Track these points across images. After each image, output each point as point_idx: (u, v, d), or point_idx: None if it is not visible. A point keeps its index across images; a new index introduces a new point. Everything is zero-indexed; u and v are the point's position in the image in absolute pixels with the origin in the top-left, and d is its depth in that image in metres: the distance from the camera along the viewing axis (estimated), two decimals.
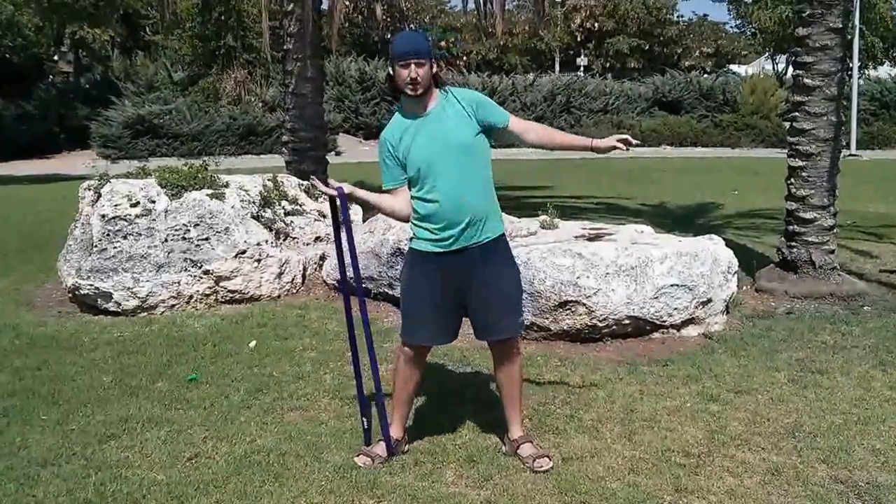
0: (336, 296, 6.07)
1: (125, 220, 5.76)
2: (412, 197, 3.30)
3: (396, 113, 3.35)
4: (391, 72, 3.23)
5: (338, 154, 19.80)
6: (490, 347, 3.49)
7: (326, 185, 3.33)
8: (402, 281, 3.44)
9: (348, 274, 3.51)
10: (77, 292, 5.79)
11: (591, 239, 5.42)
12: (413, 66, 3.16)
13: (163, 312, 5.68)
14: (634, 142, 3.42)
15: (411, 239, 3.37)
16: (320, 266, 6.46)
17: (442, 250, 3.26)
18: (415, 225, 3.33)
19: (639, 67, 37.99)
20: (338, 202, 3.33)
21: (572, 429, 3.70)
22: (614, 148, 3.40)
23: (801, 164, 6.24)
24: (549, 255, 4.98)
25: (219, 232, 5.88)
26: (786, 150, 6.53)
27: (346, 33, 28.28)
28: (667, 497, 3.10)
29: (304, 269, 6.34)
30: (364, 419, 3.50)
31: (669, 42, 40.02)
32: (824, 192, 6.18)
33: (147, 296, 5.65)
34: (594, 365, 4.58)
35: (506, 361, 3.41)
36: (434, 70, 3.24)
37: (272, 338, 5.11)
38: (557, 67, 38.52)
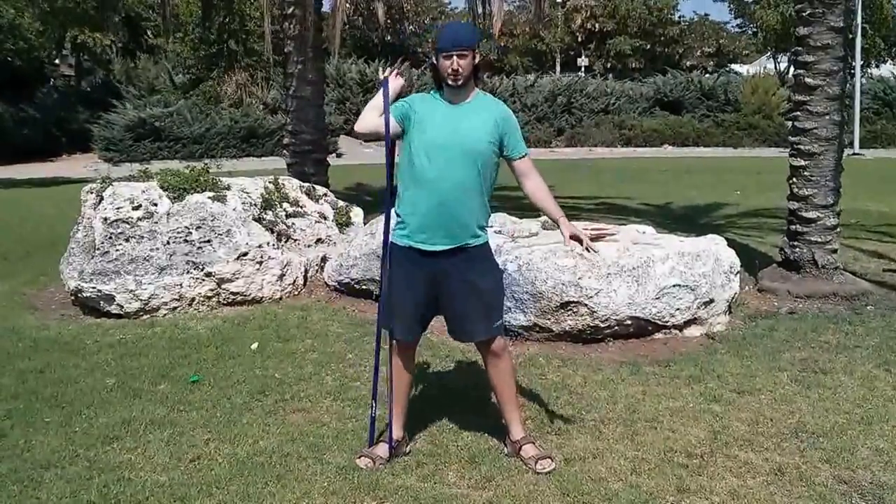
0: (337, 297, 6.08)
1: (127, 222, 5.76)
2: (407, 176, 3.29)
3: (434, 92, 3.37)
4: (434, 62, 3.28)
5: (339, 156, 19.81)
6: (478, 347, 3.50)
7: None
8: (385, 276, 3.43)
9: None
10: (79, 295, 5.80)
11: (592, 239, 5.40)
12: (455, 57, 3.20)
13: (165, 315, 5.68)
14: (592, 248, 3.38)
15: (394, 231, 3.37)
16: (322, 268, 6.46)
17: (421, 247, 3.27)
18: (400, 215, 3.34)
19: (640, 67, 38.01)
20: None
21: (574, 429, 3.70)
22: (571, 239, 3.35)
23: (803, 163, 6.24)
24: (550, 255, 4.98)
25: (220, 234, 5.88)
26: (788, 150, 6.53)
27: (346, 35, 28.30)
28: (669, 498, 3.09)
29: (306, 271, 6.34)
30: (372, 418, 3.50)
31: (670, 42, 40.04)
32: (827, 191, 6.18)
33: (149, 298, 5.66)
34: (596, 365, 4.58)
35: (493, 360, 3.42)
36: (476, 62, 3.26)
37: (274, 340, 5.11)
38: (558, 68, 38.54)
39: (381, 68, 26.32)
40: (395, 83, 3.38)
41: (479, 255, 3.34)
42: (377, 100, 3.35)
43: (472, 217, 3.28)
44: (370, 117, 3.35)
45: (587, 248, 3.36)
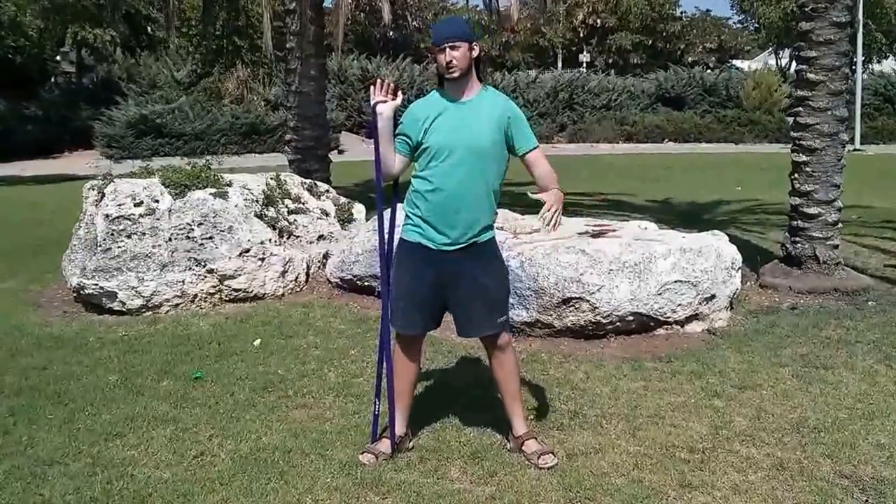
0: (339, 293, 6.08)
1: (129, 219, 5.77)
2: (415, 175, 3.31)
3: (435, 91, 3.35)
4: (436, 60, 3.27)
5: (340, 152, 19.78)
6: (482, 342, 3.52)
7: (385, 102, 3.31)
8: (392, 271, 3.43)
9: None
10: (82, 292, 5.81)
11: (594, 235, 5.42)
12: (448, 49, 3.18)
13: (167, 311, 5.69)
14: (548, 221, 3.18)
15: (403, 227, 3.37)
16: (324, 265, 6.47)
17: (431, 245, 3.27)
18: (408, 213, 3.34)
19: (641, 63, 37.96)
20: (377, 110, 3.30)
21: (576, 425, 3.70)
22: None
23: (804, 159, 6.24)
24: (552, 252, 4.99)
25: (222, 231, 5.89)
26: (789, 146, 6.52)
27: (348, 31, 28.26)
28: (671, 492, 3.10)
29: (308, 268, 6.35)
30: (375, 414, 3.51)
31: (672, 38, 39.99)
32: (828, 187, 6.18)
33: (151, 295, 5.66)
34: (598, 361, 4.59)
35: (498, 354, 3.42)
36: (474, 55, 3.24)
37: (277, 336, 5.12)
38: (560, 64, 38.49)
39: (381, 66, 26.08)
40: (386, 111, 3.28)
41: (487, 251, 3.35)
42: (378, 140, 3.30)
43: (481, 215, 3.29)
44: (381, 167, 3.32)
45: (546, 219, 3.18)
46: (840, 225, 6.30)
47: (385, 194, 3.44)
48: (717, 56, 41.02)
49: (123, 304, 5.66)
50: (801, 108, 6.26)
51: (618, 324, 4.96)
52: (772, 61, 35.75)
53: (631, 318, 4.95)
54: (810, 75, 6.16)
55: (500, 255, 3.48)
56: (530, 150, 3.33)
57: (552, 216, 3.19)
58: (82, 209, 6.20)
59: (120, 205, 5.81)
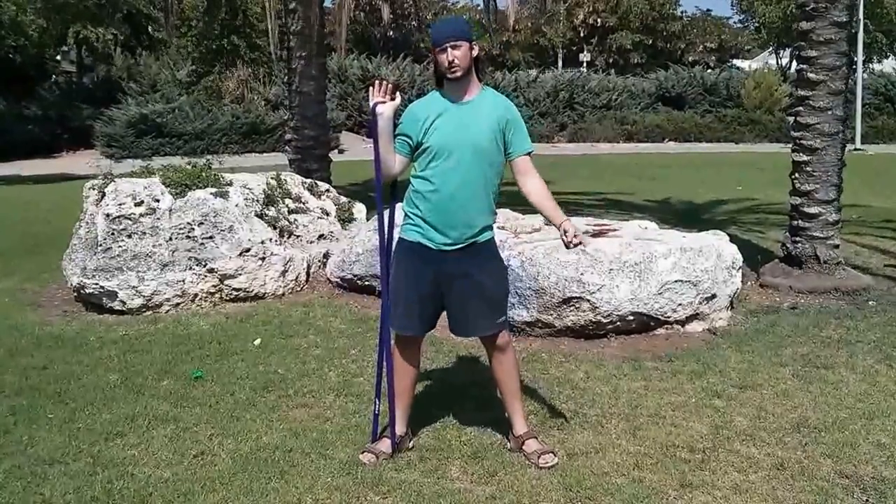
0: (339, 293, 6.08)
1: (129, 219, 5.77)
2: (414, 175, 3.31)
3: (435, 91, 3.34)
4: (435, 61, 3.25)
5: (341, 152, 19.78)
6: (482, 342, 3.52)
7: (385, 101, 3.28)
8: (392, 272, 3.42)
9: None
10: (82, 291, 5.81)
11: (594, 235, 5.41)
12: (449, 49, 3.17)
13: (168, 311, 5.69)
14: (577, 242, 3.30)
15: (402, 226, 3.37)
16: (324, 264, 6.47)
17: (430, 245, 3.27)
18: (408, 213, 3.34)
19: (642, 63, 37.96)
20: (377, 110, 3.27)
21: (577, 424, 3.70)
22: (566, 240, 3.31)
23: (805, 158, 6.24)
24: (552, 251, 4.98)
25: (223, 230, 5.89)
26: (789, 145, 6.52)
27: (348, 31, 28.28)
28: (672, 492, 3.10)
29: (308, 267, 6.35)
30: (375, 413, 3.51)
31: (672, 37, 39.98)
32: (829, 186, 6.18)
33: (152, 294, 5.66)
34: (598, 361, 4.59)
35: (498, 354, 3.42)
36: (474, 54, 3.24)
37: (277, 335, 5.12)
38: (560, 63, 38.50)
39: (381, 66, 26.13)
40: (386, 111, 3.25)
41: (485, 251, 3.35)
42: (378, 140, 3.28)
43: (480, 215, 3.29)
44: (381, 168, 3.29)
45: (579, 243, 3.33)
46: (840, 224, 6.30)
47: (384, 194, 3.44)
48: (718, 56, 41.02)
49: (124, 303, 5.66)
50: (801, 108, 6.26)
51: (618, 323, 4.96)
52: (772, 61, 35.77)
53: (631, 317, 4.95)
54: (811, 75, 6.16)
55: (499, 256, 3.48)
56: (521, 155, 3.32)
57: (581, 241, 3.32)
58: (83, 209, 6.19)
59: (120, 204, 5.81)
